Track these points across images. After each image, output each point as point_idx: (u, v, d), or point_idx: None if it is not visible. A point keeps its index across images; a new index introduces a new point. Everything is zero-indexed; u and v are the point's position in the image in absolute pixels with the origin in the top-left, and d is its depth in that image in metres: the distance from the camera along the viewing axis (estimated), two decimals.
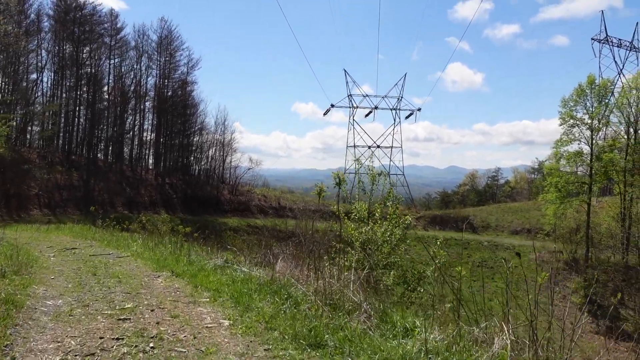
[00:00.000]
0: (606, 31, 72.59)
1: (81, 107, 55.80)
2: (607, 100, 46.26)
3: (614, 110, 46.37)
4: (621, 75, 71.91)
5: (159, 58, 61.58)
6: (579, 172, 50.56)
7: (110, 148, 59.25)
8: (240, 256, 9.49)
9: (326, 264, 7.56)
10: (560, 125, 47.14)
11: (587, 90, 46.36)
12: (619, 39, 73.63)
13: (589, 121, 45.57)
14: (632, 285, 40.47)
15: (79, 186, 47.88)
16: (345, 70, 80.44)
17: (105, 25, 56.89)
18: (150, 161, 63.80)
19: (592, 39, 72.66)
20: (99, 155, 57.80)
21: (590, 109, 45.88)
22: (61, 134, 54.48)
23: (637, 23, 77.76)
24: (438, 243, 8.04)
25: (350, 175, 77.50)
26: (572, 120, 46.31)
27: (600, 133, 47.59)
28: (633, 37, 74.57)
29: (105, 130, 57.69)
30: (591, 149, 46.11)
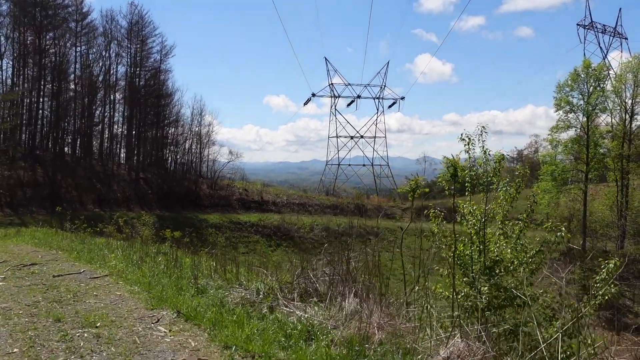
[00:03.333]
0: (591, 17, 71.23)
1: (45, 99, 51.62)
2: (603, 85, 44.50)
3: (610, 95, 44.67)
4: (606, 61, 70.82)
5: (129, 45, 57.55)
6: (570, 160, 48.87)
7: (78, 142, 55.15)
8: (270, 279, 6.59)
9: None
10: (556, 111, 45.51)
11: (582, 75, 44.60)
12: (603, 25, 72.40)
13: (585, 107, 43.85)
14: (631, 275, 39.18)
15: (45, 183, 43.99)
16: (326, 59, 77.51)
17: (70, 9, 52.64)
18: (122, 155, 59.92)
19: (577, 24, 71.30)
20: (65, 149, 53.66)
21: (586, 94, 44.18)
22: (24, 128, 50.30)
23: (619, 9, 76.76)
24: (612, 266, 5.24)
25: (333, 167, 75.01)
26: (568, 106, 44.60)
27: (596, 119, 46.00)
28: (616, 23, 73.53)
29: (72, 123, 53.57)
30: (587, 135, 44.45)
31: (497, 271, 5.86)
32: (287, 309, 5.47)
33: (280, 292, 6.10)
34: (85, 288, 7.73)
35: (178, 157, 60.08)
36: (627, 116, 44.29)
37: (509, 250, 6.13)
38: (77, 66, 53.91)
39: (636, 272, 39.32)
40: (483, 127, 6.57)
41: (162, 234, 14.87)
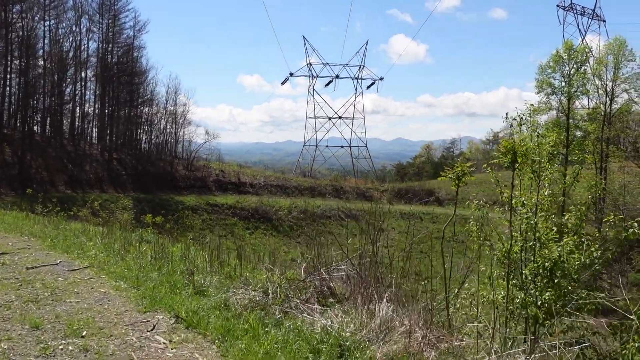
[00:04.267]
0: None
1: (13, 75, 49.35)
2: (585, 67, 44.46)
3: (591, 77, 44.67)
4: (584, 43, 70.96)
5: (100, 20, 55.23)
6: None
7: (48, 120, 53.02)
8: (278, 276, 5.78)
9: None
10: (537, 93, 45.34)
11: (564, 57, 44.44)
12: (582, 7, 72.51)
13: (567, 89, 43.79)
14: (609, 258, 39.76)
15: (13, 163, 42.18)
16: (304, 37, 76.10)
17: None
18: (94, 135, 57.93)
19: (557, 5, 71.21)
20: (35, 128, 51.56)
21: (567, 76, 44.12)
22: None
23: None
24: None
25: (310, 148, 74.08)
26: (549, 88, 44.47)
27: (576, 102, 46.00)
28: (595, 5, 73.68)
29: (41, 101, 51.40)
30: (567, 118, 44.51)
31: (557, 273, 5.19)
32: (309, 316, 4.68)
33: (292, 292, 5.33)
34: (64, 283, 6.86)
35: (152, 137, 58.45)
36: (607, 99, 44.39)
37: (568, 249, 5.45)
38: (46, 41, 51.59)
39: (613, 254, 39.89)
40: (532, 104, 5.88)
41: (143, 219, 13.93)
